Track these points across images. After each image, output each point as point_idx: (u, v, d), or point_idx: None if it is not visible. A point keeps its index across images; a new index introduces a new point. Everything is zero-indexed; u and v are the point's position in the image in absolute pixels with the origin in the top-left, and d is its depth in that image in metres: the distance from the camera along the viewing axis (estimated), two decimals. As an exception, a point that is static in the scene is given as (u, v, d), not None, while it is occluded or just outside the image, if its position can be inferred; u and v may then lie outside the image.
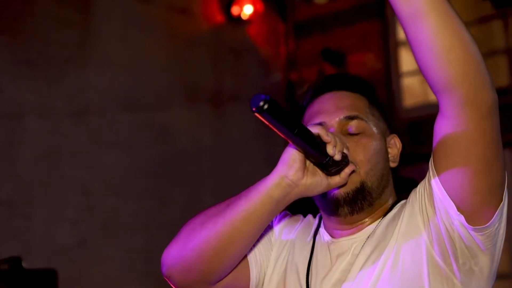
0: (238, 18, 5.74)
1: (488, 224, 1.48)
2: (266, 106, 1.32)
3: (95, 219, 4.54)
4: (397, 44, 5.86)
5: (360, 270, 1.58)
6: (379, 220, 1.65)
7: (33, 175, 4.40)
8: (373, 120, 1.69)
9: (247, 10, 5.75)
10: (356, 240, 1.65)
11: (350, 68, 5.90)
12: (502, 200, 1.50)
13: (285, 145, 1.52)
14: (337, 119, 1.66)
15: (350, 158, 1.55)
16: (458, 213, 1.48)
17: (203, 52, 5.51)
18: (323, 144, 1.48)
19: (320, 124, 1.62)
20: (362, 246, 1.62)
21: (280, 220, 1.79)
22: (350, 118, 1.66)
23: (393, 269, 1.55)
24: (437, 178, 1.51)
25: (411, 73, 5.94)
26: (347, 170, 1.53)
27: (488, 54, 6.08)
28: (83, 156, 4.57)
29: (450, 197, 1.49)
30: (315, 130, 1.47)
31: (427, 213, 1.55)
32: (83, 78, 4.65)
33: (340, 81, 1.74)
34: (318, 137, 1.47)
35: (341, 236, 1.67)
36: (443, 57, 1.38)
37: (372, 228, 1.65)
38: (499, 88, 5.20)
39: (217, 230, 1.57)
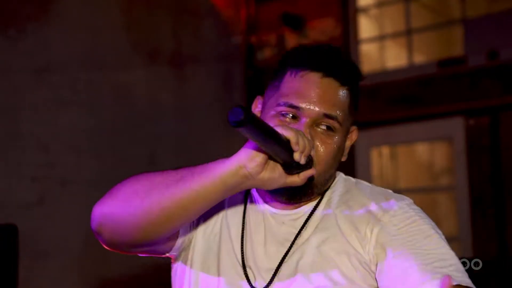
0: (199, -21, 5.74)
1: None
2: (245, 118, 1.24)
3: (54, 176, 4.55)
4: (356, 11, 5.91)
5: (316, 247, 1.61)
6: (318, 199, 1.68)
7: (-9, 131, 4.39)
8: (347, 121, 1.63)
9: (208, -28, 5.75)
10: (298, 216, 1.66)
11: (310, 33, 5.95)
12: None
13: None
14: (316, 111, 1.57)
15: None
16: None
17: (163, 13, 5.50)
18: (291, 149, 1.42)
19: (295, 107, 1.57)
20: (306, 223, 1.64)
21: None
22: (329, 117, 1.58)
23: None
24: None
25: (369, 40, 6.02)
26: (307, 173, 1.49)
27: (444, 24, 6.20)
28: (42, 114, 4.55)
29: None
30: (287, 133, 1.40)
31: (367, 251, 1.59)
32: (43, 36, 4.61)
33: (331, 65, 1.61)
34: (287, 141, 1.41)
35: (280, 208, 1.67)
36: None
37: (311, 208, 1.67)
38: (454, 57, 5.33)
39: (162, 204, 1.49)
